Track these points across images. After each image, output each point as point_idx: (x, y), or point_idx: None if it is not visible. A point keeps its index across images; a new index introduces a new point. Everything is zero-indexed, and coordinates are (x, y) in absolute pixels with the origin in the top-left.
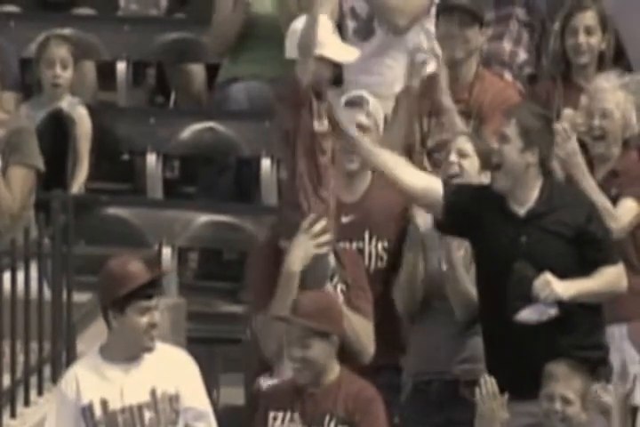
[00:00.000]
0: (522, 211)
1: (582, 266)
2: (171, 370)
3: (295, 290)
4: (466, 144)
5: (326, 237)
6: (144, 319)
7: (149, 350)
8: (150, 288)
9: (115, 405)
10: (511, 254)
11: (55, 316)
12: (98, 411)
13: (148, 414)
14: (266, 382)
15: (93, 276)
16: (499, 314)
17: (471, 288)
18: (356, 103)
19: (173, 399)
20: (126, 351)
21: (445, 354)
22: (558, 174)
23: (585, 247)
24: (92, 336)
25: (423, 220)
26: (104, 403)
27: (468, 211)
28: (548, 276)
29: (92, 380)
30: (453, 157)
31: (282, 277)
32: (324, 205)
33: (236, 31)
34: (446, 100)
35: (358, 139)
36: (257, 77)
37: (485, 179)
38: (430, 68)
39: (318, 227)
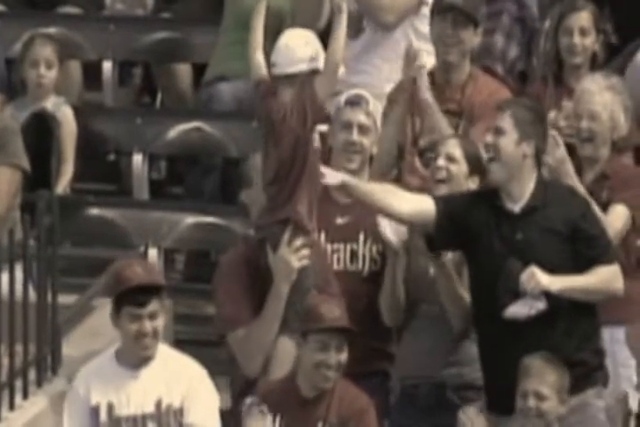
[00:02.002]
0: (516, 207)
1: (578, 264)
2: (178, 383)
3: (283, 307)
4: (454, 148)
5: (306, 251)
6: (133, 327)
7: (145, 358)
8: (144, 295)
9: (120, 411)
10: (507, 253)
11: (40, 318)
12: (103, 414)
13: (151, 426)
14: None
15: (79, 277)
16: (495, 318)
17: (465, 294)
18: (355, 103)
19: (177, 413)
20: (131, 357)
21: (433, 358)
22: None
23: (579, 244)
24: (78, 339)
25: (392, 234)
26: (110, 407)
27: (460, 219)
28: (533, 268)
29: (101, 382)
30: (441, 162)
31: (271, 296)
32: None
33: None
34: (427, 96)
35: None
36: (244, 76)
37: (473, 184)
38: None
39: (299, 242)
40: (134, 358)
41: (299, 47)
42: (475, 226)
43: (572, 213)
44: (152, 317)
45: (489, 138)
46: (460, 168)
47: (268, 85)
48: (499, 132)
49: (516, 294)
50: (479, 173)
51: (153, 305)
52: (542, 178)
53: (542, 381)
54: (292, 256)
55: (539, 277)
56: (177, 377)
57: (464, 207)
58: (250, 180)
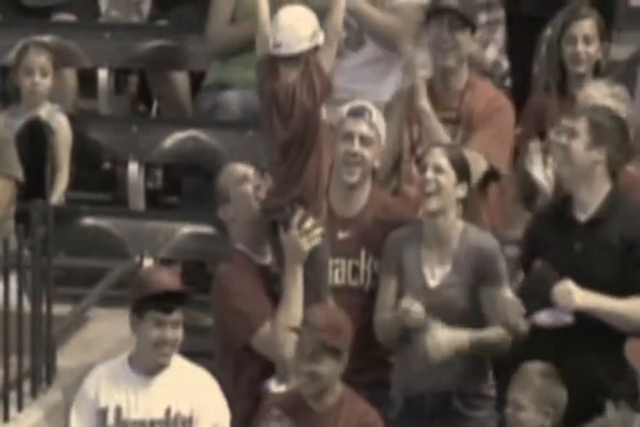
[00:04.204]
0: (583, 217)
1: (624, 285)
2: (189, 393)
3: (302, 285)
4: (440, 158)
5: (318, 231)
6: (156, 332)
7: (162, 366)
8: (169, 302)
9: (128, 415)
10: (563, 261)
11: (35, 329)
12: (111, 418)
13: None
14: (274, 387)
15: (74, 288)
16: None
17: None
18: (358, 114)
19: (187, 422)
20: (145, 363)
21: (437, 370)
22: (546, 193)
23: (629, 265)
24: (73, 350)
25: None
26: (118, 411)
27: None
28: (569, 284)
29: (111, 385)
30: (429, 175)
31: (287, 277)
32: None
33: (238, 44)
34: (424, 104)
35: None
36: (250, 84)
37: (462, 191)
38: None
39: (309, 224)
40: (150, 364)
41: (301, 26)
42: (545, 237)
43: (632, 231)
44: (175, 325)
45: (562, 139)
46: (448, 178)
47: (270, 65)
48: (572, 134)
49: (544, 300)
50: (467, 179)
51: (177, 314)
52: (617, 190)
53: (524, 390)
54: (303, 239)
55: (574, 296)
56: (188, 387)
57: (538, 236)
58: (226, 195)
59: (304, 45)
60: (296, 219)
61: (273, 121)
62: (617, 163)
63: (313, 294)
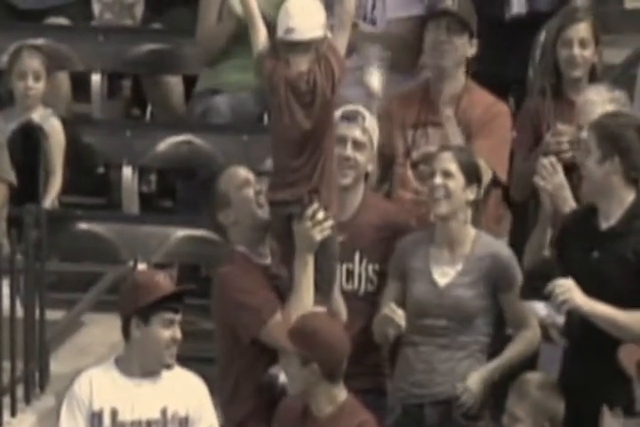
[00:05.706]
0: (604, 225)
1: (636, 298)
2: (184, 393)
3: (313, 273)
4: (449, 163)
5: (329, 223)
6: (167, 333)
7: (168, 366)
8: (176, 302)
9: (124, 416)
10: (580, 266)
11: (28, 334)
12: (107, 420)
13: None
14: (283, 377)
15: (67, 292)
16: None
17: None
18: (351, 118)
19: (183, 422)
20: (144, 366)
21: (436, 377)
22: (547, 207)
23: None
24: (66, 356)
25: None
26: (114, 412)
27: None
28: (570, 282)
29: (105, 387)
30: (438, 180)
31: (298, 266)
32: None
33: (223, 43)
34: (446, 109)
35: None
36: (242, 88)
37: (471, 194)
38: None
39: (321, 215)
40: (151, 366)
41: (314, 12)
42: (569, 239)
43: None
44: (179, 325)
45: (578, 157)
46: (457, 182)
47: (276, 56)
48: (585, 152)
49: (540, 291)
50: (477, 181)
51: (180, 314)
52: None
53: (521, 402)
54: (314, 229)
55: (574, 295)
56: (181, 388)
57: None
58: (226, 199)
59: (318, 32)
60: (310, 210)
61: (293, 112)
62: (635, 170)
63: (324, 285)
